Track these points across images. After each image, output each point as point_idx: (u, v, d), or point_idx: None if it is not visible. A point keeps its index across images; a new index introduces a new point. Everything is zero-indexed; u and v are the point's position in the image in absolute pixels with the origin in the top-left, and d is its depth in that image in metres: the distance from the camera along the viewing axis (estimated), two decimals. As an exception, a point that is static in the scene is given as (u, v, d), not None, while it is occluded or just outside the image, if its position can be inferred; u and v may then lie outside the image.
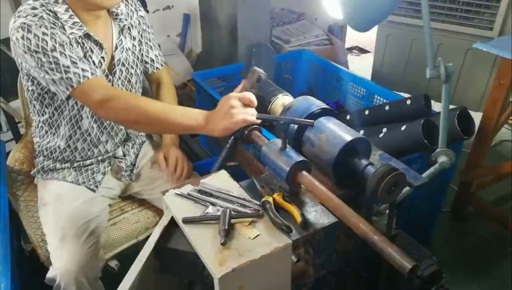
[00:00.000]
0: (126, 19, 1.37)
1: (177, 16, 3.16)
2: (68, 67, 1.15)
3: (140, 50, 1.45)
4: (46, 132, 1.40)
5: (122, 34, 1.37)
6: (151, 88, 1.60)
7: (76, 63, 1.16)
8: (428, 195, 1.73)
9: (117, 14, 1.34)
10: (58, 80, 1.16)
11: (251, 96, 1.08)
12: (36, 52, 1.14)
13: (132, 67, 1.42)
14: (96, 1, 1.20)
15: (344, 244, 0.99)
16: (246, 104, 1.08)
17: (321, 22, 3.34)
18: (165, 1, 3.08)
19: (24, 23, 1.13)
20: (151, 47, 1.50)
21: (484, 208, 2.05)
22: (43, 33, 1.14)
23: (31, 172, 1.48)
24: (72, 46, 1.20)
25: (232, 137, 1.09)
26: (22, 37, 1.13)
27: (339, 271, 0.99)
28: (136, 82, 1.45)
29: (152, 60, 1.52)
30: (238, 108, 1.06)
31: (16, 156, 1.56)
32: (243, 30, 2.50)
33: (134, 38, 1.41)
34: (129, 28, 1.39)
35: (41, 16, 1.16)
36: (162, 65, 1.55)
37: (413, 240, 1.14)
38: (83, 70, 1.16)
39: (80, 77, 1.16)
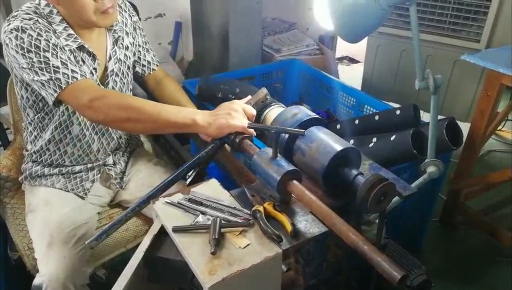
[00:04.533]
0: (120, 30, 1.38)
1: (169, 24, 3.16)
2: (57, 67, 1.14)
3: (131, 58, 1.45)
4: (36, 137, 1.39)
5: (116, 45, 1.37)
6: (148, 87, 1.59)
7: (66, 64, 1.16)
8: (417, 204, 1.74)
9: (111, 25, 1.34)
10: (47, 82, 1.15)
11: (253, 112, 1.13)
12: (29, 51, 1.14)
13: (125, 77, 1.42)
14: (94, 22, 1.20)
15: (334, 253, 1.00)
16: (246, 116, 1.11)
17: (312, 32, 3.37)
18: (157, 8, 3.08)
19: (19, 26, 1.14)
20: (147, 50, 1.52)
21: (472, 218, 2.07)
22: (38, 34, 1.15)
23: (19, 179, 1.46)
24: (65, 50, 1.20)
25: (219, 141, 1.09)
26: (16, 37, 1.13)
27: (330, 280, 1.00)
28: (127, 92, 1.46)
29: (149, 62, 1.53)
30: (240, 113, 1.09)
31: (4, 163, 1.54)
32: (234, 39, 2.51)
33: (127, 48, 1.42)
34: (123, 38, 1.39)
35: (37, 20, 1.17)
36: (157, 65, 1.56)
37: (402, 250, 1.15)
38: (72, 71, 1.16)
39: (69, 78, 1.15)
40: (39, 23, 1.17)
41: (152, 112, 1.11)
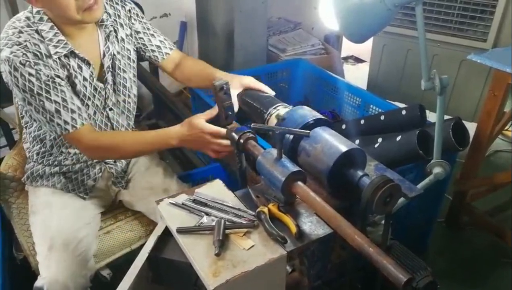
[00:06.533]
0: (112, 24, 1.34)
1: (174, 24, 3.16)
2: (52, 115, 1.20)
3: (130, 50, 1.41)
4: (37, 136, 1.38)
5: (108, 41, 1.34)
6: (167, 72, 1.53)
7: (59, 112, 1.20)
8: (423, 205, 1.73)
9: (102, 21, 1.31)
10: (44, 123, 1.23)
11: (222, 133, 1.16)
12: (24, 91, 1.17)
13: (124, 71, 1.39)
14: (79, 20, 1.18)
15: (339, 255, 0.99)
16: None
17: (317, 32, 3.36)
18: (162, 8, 3.09)
19: (10, 58, 1.14)
20: (152, 35, 1.46)
21: (478, 219, 2.05)
22: (29, 74, 1.16)
23: (22, 179, 1.46)
24: (56, 83, 1.20)
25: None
26: (10, 73, 1.16)
27: (334, 282, 0.99)
28: (131, 87, 1.43)
29: (158, 47, 1.47)
30: (211, 140, 1.17)
31: (10, 163, 1.54)
32: (239, 39, 2.51)
33: (123, 40, 1.38)
34: (115, 31, 1.36)
35: (26, 46, 1.16)
36: (171, 48, 1.50)
37: (408, 251, 1.14)
38: (65, 122, 1.21)
39: (62, 129, 1.22)
40: (28, 48, 1.16)
41: (138, 148, 1.31)
